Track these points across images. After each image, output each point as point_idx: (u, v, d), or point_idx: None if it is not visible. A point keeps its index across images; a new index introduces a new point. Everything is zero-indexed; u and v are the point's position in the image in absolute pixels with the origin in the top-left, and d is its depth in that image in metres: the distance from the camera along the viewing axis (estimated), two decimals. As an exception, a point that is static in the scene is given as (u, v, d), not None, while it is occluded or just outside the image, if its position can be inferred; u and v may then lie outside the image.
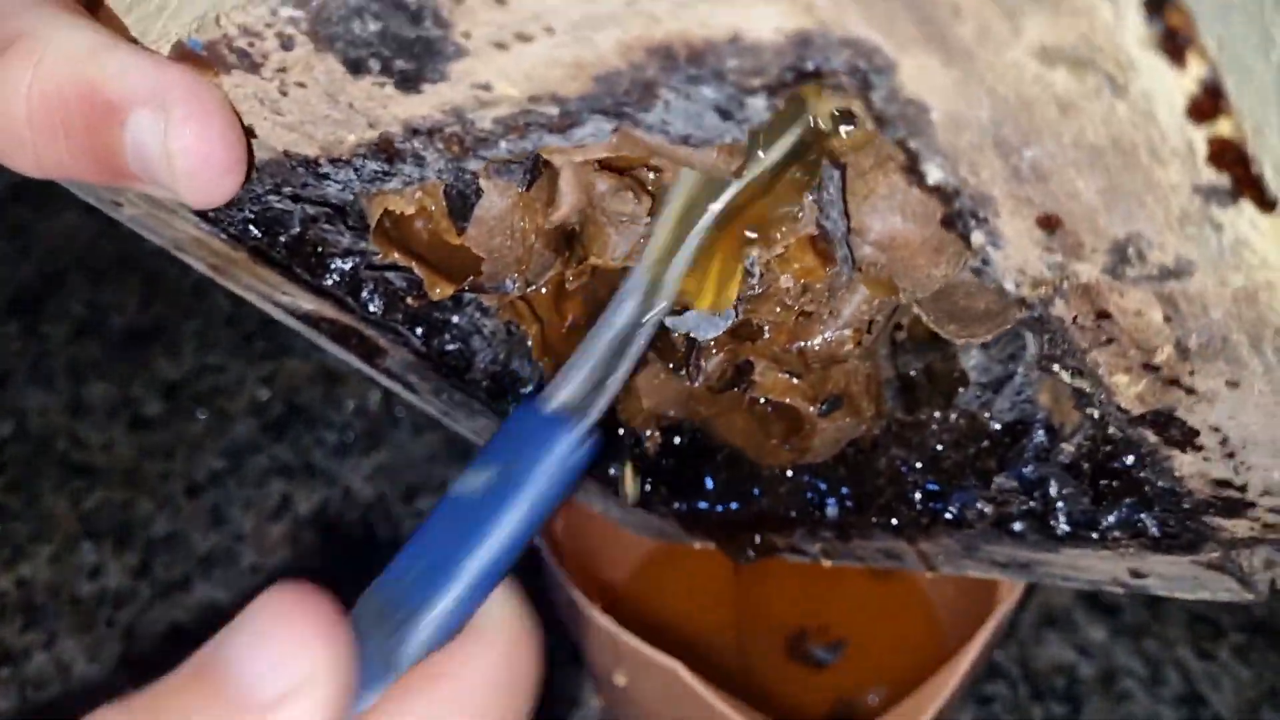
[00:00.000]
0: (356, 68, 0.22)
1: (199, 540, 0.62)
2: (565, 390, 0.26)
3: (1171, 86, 0.17)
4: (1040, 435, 0.34)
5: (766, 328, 0.33)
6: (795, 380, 0.35)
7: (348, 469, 0.64)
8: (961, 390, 0.35)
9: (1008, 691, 0.54)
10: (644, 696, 0.39)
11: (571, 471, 0.25)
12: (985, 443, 0.35)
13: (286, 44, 0.23)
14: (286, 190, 0.28)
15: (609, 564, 0.57)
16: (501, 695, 0.22)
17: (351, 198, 0.30)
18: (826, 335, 0.33)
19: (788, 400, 0.35)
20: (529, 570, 0.59)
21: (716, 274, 0.29)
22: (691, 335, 0.32)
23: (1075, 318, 0.24)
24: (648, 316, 0.28)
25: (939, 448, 0.36)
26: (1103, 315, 0.23)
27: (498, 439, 0.25)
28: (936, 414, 0.36)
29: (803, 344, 0.33)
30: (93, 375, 0.69)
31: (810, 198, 0.27)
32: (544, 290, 0.33)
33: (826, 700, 0.54)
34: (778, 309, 0.31)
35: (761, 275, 0.30)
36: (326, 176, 0.27)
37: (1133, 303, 0.22)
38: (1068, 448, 0.33)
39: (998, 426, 0.35)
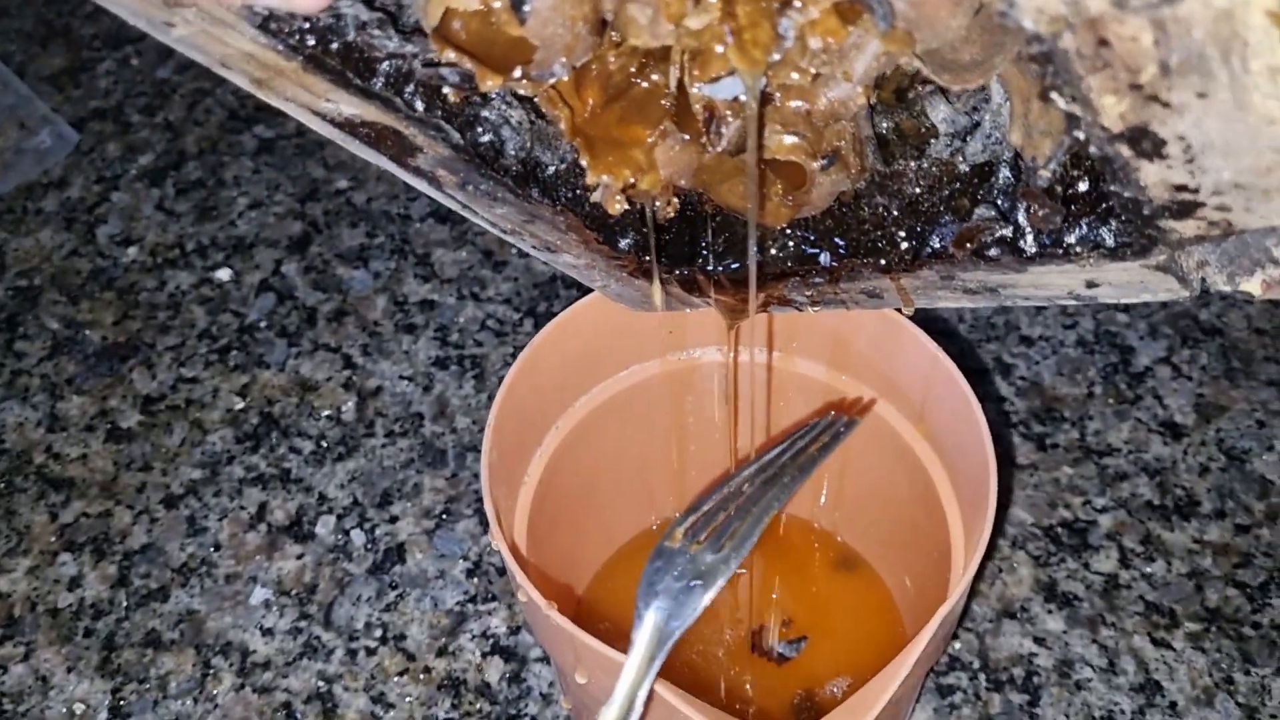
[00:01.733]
0: None
1: (176, 550, 0.63)
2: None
3: None
4: (1006, 171, 0.39)
5: (778, 93, 0.37)
6: (799, 140, 0.39)
7: (322, 477, 0.65)
8: (933, 141, 0.40)
9: (968, 682, 0.56)
10: (604, 694, 0.40)
11: None
12: (958, 184, 0.40)
13: None
14: None
15: (574, 565, 0.58)
16: None
17: None
18: (830, 95, 0.38)
19: (793, 158, 0.40)
20: (499, 570, 0.61)
21: (753, 38, 0.33)
22: (721, 98, 0.37)
23: (1079, 48, 0.28)
24: None
25: (917, 192, 0.41)
26: (1102, 43, 0.27)
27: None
28: (912, 163, 0.41)
29: (811, 105, 0.38)
30: (69, 390, 0.70)
31: None
32: (566, 78, 0.37)
33: (790, 693, 0.55)
34: (794, 73, 0.36)
35: (796, 39, 0.34)
36: None
37: (1129, 29, 0.27)
38: (1044, 173, 0.37)
39: (967, 168, 0.40)
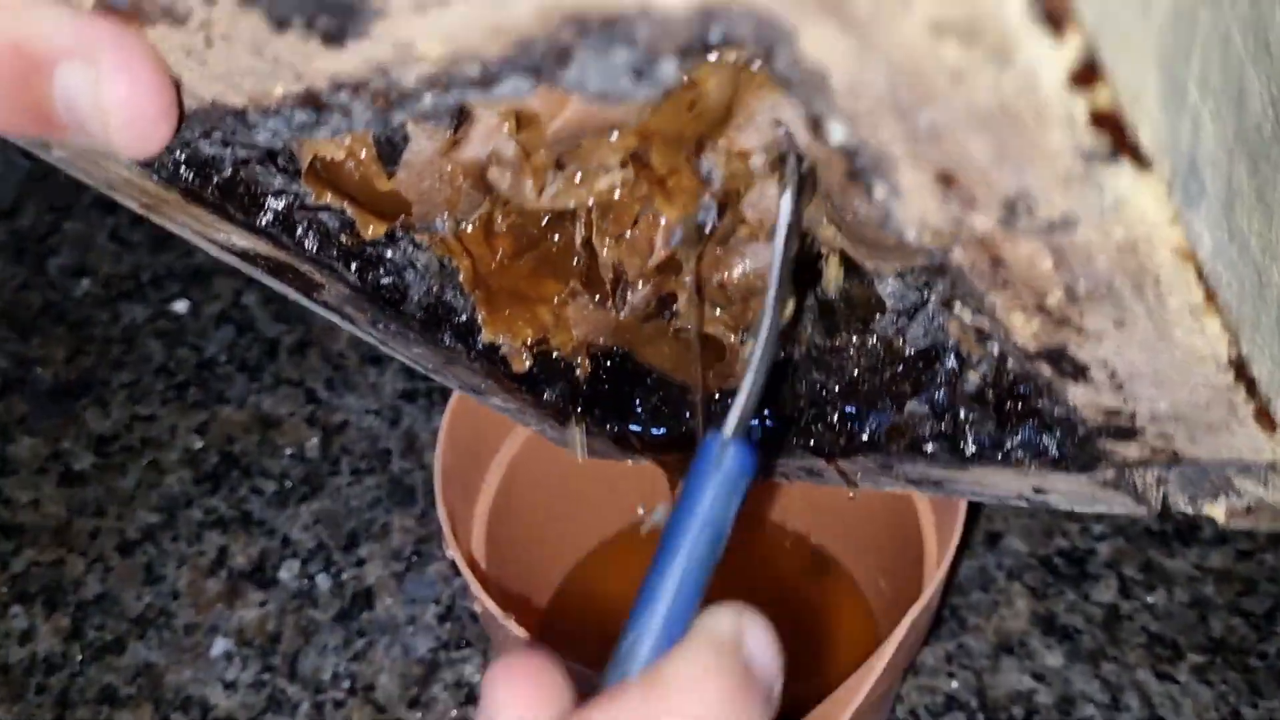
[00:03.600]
0: (280, 24, 0.23)
1: (132, 600, 0.60)
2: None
3: (1052, 59, 0.19)
4: (951, 361, 0.36)
5: (689, 261, 0.35)
6: (718, 311, 0.37)
7: (286, 519, 0.63)
8: (878, 316, 0.37)
9: (966, 724, 0.54)
10: None
11: (733, 482, 0.27)
12: (900, 367, 0.37)
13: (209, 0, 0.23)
14: (216, 136, 0.29)
15: (538, 574, 0.56)
16: (713, 696, 0.23)
17: (281, 145, 0.30)
18: (747, 265, 0.35)
19: (711, 330, 0.37)
20: (473, 615, 0.58)
21: (677, 183, 0.31)
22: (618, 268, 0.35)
23: (973, 264, 0.25)
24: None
25: (856, 372, 0.38)
26: (997, 262, 0.25)
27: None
28: (854, 339, 0.38)
29: (724, 275, 0.35)
30: (19, 431, 0.67)
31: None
32: (472, 228, 0.34)
33: None
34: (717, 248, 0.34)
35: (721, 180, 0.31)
36: (255, 126, 0.27)
37: (1024, 251, 0.24)
38: (973, 376, 0.35)
39: (911, 352, 0.37)
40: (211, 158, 0.31)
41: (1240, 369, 0.26)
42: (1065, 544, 0.59)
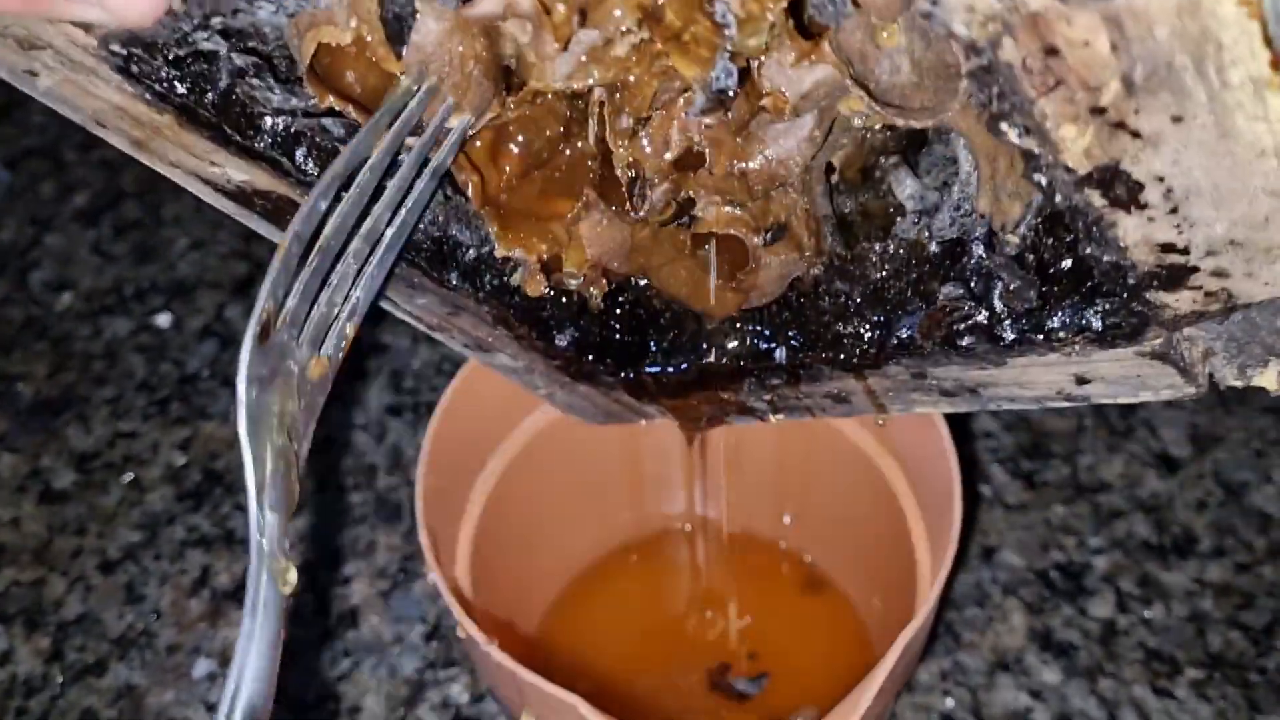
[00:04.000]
0: None
1: (113, 620, 0.59)
2: None
3: None
4: (980, 249, 0.34)
5: (709, 151, 0.33)
6: (738, 211, 0.35)
7: (270, 536, 0.61)
8: (899, 220, 0.36)
9: (962, 742, 0.53)
10: None
11: None
12: (927, 266, 0.35)
13: None
14: (216, 22, 0.27)
15: (523, 600, 0.55)
16: None
17: (286, 21, 0.29)
18: (769, 152, 0.33)
19: (732, 231, 0.35)
20: (445, 610, 0.57)
21: (694, 35, 0.30)
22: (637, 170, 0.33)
23: (1024, 59, 0.24)
24: None
25: (881, 276, 0.36)
26: (1051, 51, 0.24)
27: None
28: (876, 245, 0.36)
29: (745, 165, 0.34)
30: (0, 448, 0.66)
31: None
32: (480, 143, 0.33)
33: None
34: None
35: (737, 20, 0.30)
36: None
37: (1080, 31, 0.23)
38: (1012, 239, 0.33)
39: (937, 249, 0.35)
40: (206, 70, 0.30)
41: None
42: (1061, 558, 0.58)
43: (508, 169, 0.34)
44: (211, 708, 0.55)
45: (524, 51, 0.31)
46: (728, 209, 0.35)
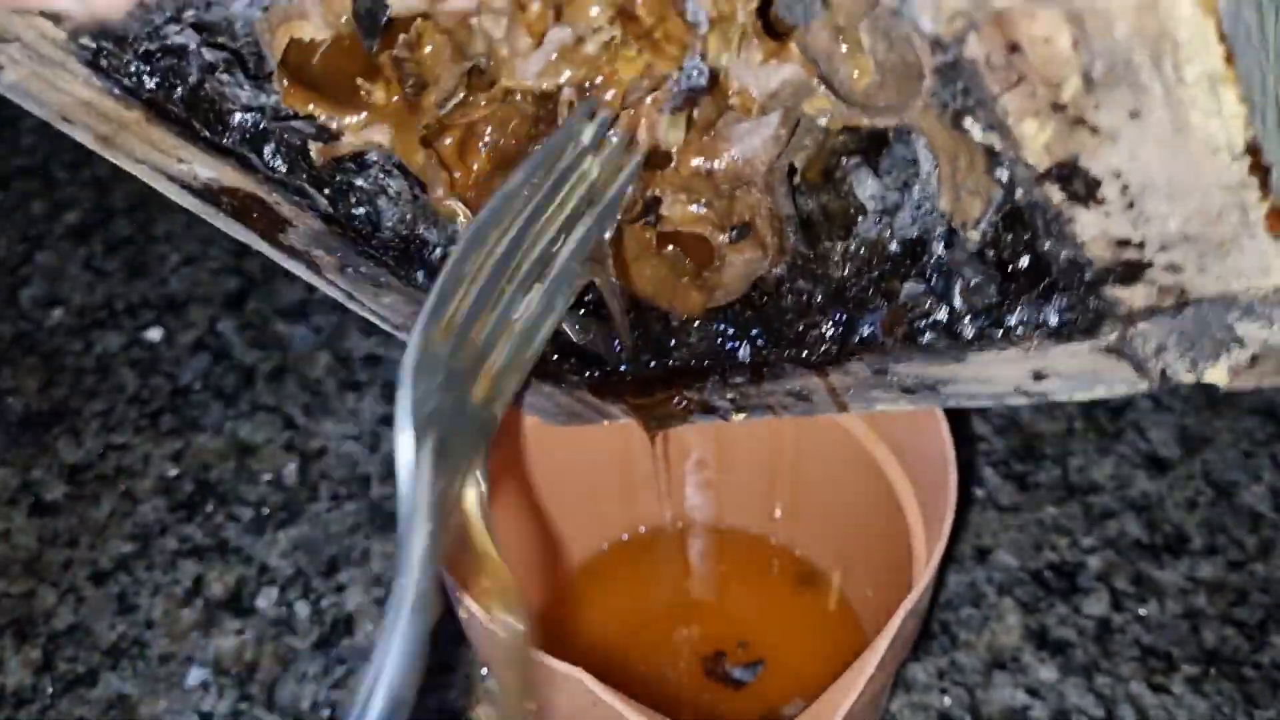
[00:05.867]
0: None
1: (105, 630, 0.58)
2: None
3: None
4: (940, 246, 0.35)
5: (675, 150, 0.34)
6: (703, 210, 0.35)
7: (263, 545, 0.61)
8: (860, 219, 0.36)
9: (960, 740, 0.52)
10: (554, 714, 0.37)
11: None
12: (888, 264, 0.36)
13: None
14: (189, 15, 0.27)
15: (524, 588, 0.55)
16: None
17: (259, 14, 0.28)
18: (735, 151, 0.34)
19: (697, 229, 0.36)
20: (452, 640, 0.57)
21: (665, 32, 0.30)
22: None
23: (988, 56, 0.25)
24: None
25: (843, 275, 0.37)
26: (1014, 48, 0.24)
27: None
28: (838, 245, 0.37)
29: (711, 164, 0.34)
30: (-11, 462, 0.66)
31: None
32: (450, 140, 0.33)
33: (749, 715, 0.53)
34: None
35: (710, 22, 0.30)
36: None
37: (1043, 27, 0.23)
38: (973, 235, 0.33)
39: (897, 247, 0.36)
40: (176, 65, 0.29)
41: (1255, 156, 0.26)
42: (1055, 557, 0.59)
43: (475, 166, 0.34)
44: (205, 716, 0.55)
45: (496, 48, 0.31)
46: (693, 208, 0.35)
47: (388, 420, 0.66)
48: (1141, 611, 0.56)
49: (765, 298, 0.38)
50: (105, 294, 0.75)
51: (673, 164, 0.34)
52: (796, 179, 0.36)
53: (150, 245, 0.78)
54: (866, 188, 0.36)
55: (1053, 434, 0.64)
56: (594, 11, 0.29)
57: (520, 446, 0.51)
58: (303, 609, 0.59)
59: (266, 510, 0.63)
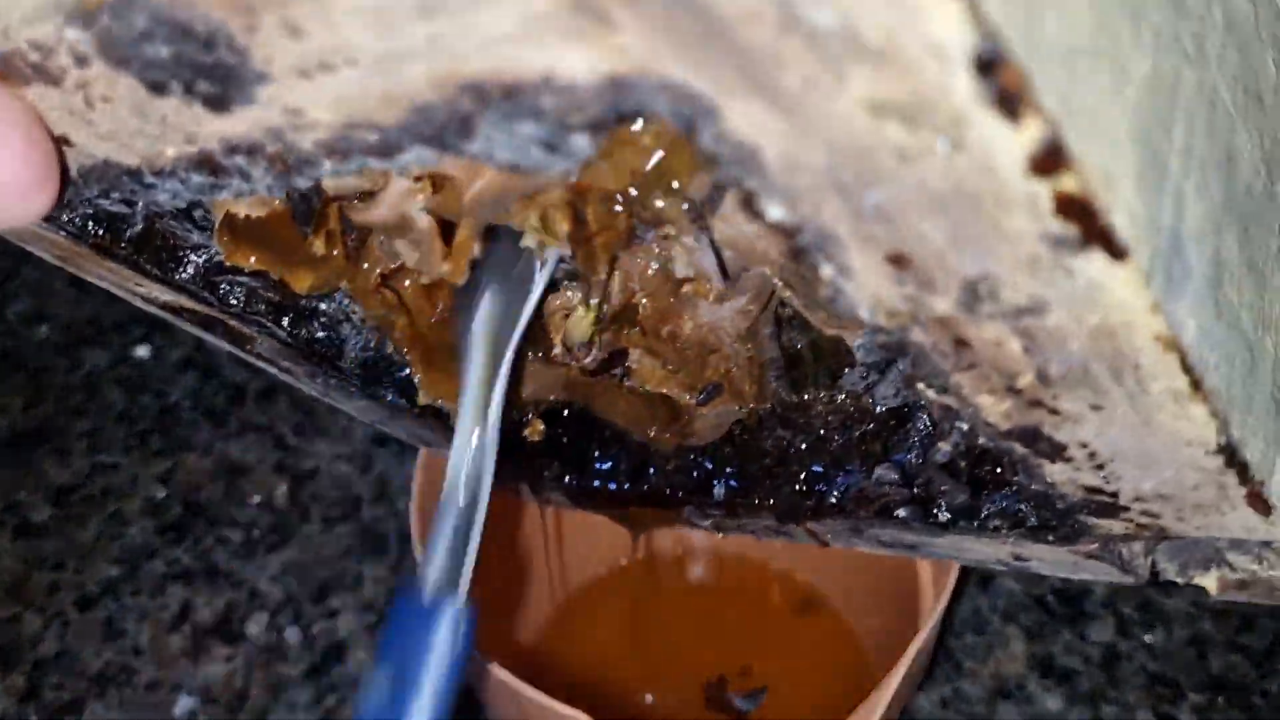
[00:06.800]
0: (158, 89, 0.21)
1: (91, 657, 0.57)
2: (434, 570, 0.27)
3: (1010, 143, 0.17)
4: (923, 422, 0.33)
5: (642, 306, 0.32)
6: (671, 370, 0.34)
7: (253, 569, 0.60)
8: (848, 370, 0.35)
9: (965, 771, 0.52)
10: None
11: (461, 648, 0.27)
12: (870, 425, 0.35)
13: (81, 61, 0.21)
14: (116, 195, 0.26)
15: (517, 617, 0.54)
16: None
17: (185, 205, 0.28)
18: (702, 316, 0.32)
19: (664, 389, 0.35)
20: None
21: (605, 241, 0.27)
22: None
23: (935, 344, 0.23)
24: (485, 461, 0.29)
25: (825, 430, 0.36)
26: (961, 344, 0.23)
27: (390, 637, 0.27)
28: (822, 394, 0.35)
29: (675, 328, 0.32)
30: (-26, 483, 0.65)
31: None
32: (410, 282, 0.32)
33: None
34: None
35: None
36: (153, 186, 0.25)
37: (990, 334, 0.22)
38: (944, 447, 0.32)
39: (882, 410, 0.34)
40: (120, 213, 0.29)
41: (1231, 455, 0.25)
42: (1060, 583, 0.58)
43: (441, 304, 0.33)
44: (194, 746, 0.54)
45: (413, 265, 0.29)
46: (660, 370, 0.35)
47: (380, 440, 0.65)
48: (1148, 638, 0.56)
49: (745, 435, 0.37)
50: (92, 310, 0.73)
51: (637, 325, 0.33)
52: (789, 310, 0.35)
53: (139, 260, 0.76)
54: (858, 335, 0.33)
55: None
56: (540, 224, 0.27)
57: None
58: (293, 635, 0.57)
59: (257, 533, 0.62)
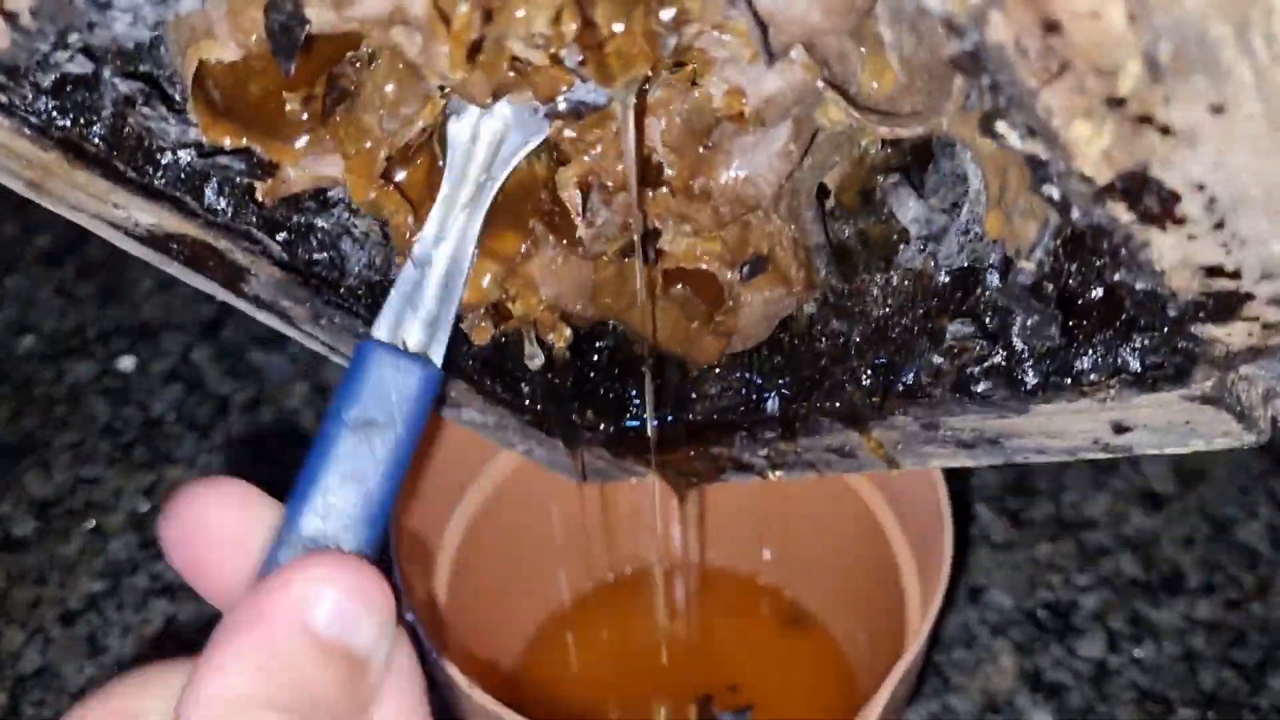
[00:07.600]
0: None
1: (73, 673, 0.57)
2: (411, 330, 0.27)
3: None
4: (994, 278, 0.29)
5: (669, 165, 0.29)
6: (708, 238, 0.31)
7: (237, 584, 0.60)
8: (903, 247, 0.31)
9: (954, 788, 0.51)
10: None
11: (429, 400, 0.26)
12: (935, 300, 0.31)
13: None
14: (74, 39, 0.25)
15: (501, 638, 0.54)
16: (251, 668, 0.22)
17: (147, 36, 0.26)
18: (734, 169, 0.29)
19: (703, 265, 0.31)
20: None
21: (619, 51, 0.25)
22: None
23: (1018, 39, 0.19)
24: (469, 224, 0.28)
25: (884, 316, 0.32)
26: (1051, 27, 0.19)
27: (355, 386, 0.26)
28: (877, 277, 0.32)
29: (708, 182, 0.29)
30: (-45, 496, 0.64)
31: None
32: (407, 173, 0.30)
33: None
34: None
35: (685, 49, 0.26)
36: (107, 5, 0.24)
37: (1085, 1, 0.18)
38: (1028, 266, 0.28)
39: (945, 279, 0.31)
40: (89, 91, 0.26)
41: None
42: (1049, 596, 0.57)
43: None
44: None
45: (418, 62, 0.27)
46: (692, 238, 0.31)
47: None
48: (1138, 653, 0.55)
49: (795, 340, 0.34)
50: (77, 320, 0.73)
51: (665, 186, 0.30)
52: (830, 202, 0.32)
53: (123, 271, 0.76)
54: (908, 210, 0.31)
55: (1046, 468, 0.63)
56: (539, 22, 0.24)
57: (505, 488, 0.50)
58: (278, 650, 0.57)
59: (241, 547, 0.61)
